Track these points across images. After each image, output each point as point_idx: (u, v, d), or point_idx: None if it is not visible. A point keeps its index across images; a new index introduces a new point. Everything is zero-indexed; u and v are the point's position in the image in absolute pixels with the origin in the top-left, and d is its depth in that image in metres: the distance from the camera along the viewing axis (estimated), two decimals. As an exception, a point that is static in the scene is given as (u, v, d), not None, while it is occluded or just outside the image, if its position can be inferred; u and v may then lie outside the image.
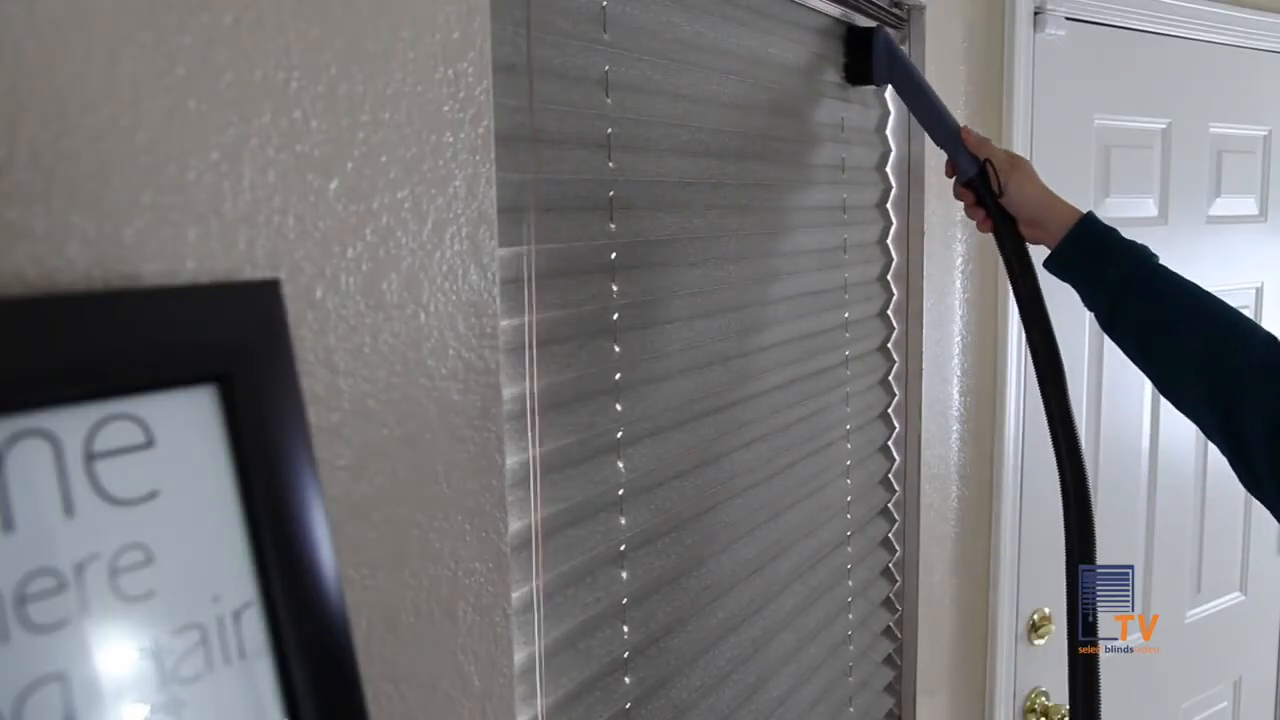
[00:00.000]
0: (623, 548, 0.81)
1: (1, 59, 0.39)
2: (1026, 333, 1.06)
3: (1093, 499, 1.03)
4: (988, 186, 1.06)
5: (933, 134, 1.12)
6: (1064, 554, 1.03)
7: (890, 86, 1.20)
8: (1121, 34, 1.69)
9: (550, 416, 0.72)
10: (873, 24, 1.18)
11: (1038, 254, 1.06)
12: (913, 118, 1.21)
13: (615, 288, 0.79)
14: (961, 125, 1.10)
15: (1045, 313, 1.04)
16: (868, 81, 1.18)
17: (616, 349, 0.80)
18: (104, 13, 0.42)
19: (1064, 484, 1.04)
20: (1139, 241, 0.99)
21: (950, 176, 1.12)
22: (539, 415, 0.71)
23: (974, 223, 1.11)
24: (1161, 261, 0.97)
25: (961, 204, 1.13)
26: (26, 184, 0.40)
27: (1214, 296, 0.93)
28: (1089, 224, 1.01)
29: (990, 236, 1.10)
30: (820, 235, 1.15)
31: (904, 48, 1.17)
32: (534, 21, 0.70)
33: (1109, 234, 1.00)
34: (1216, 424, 0.87)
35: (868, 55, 1.16)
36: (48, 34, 0.40)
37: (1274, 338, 0.87)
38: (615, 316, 0.79)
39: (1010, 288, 1.08)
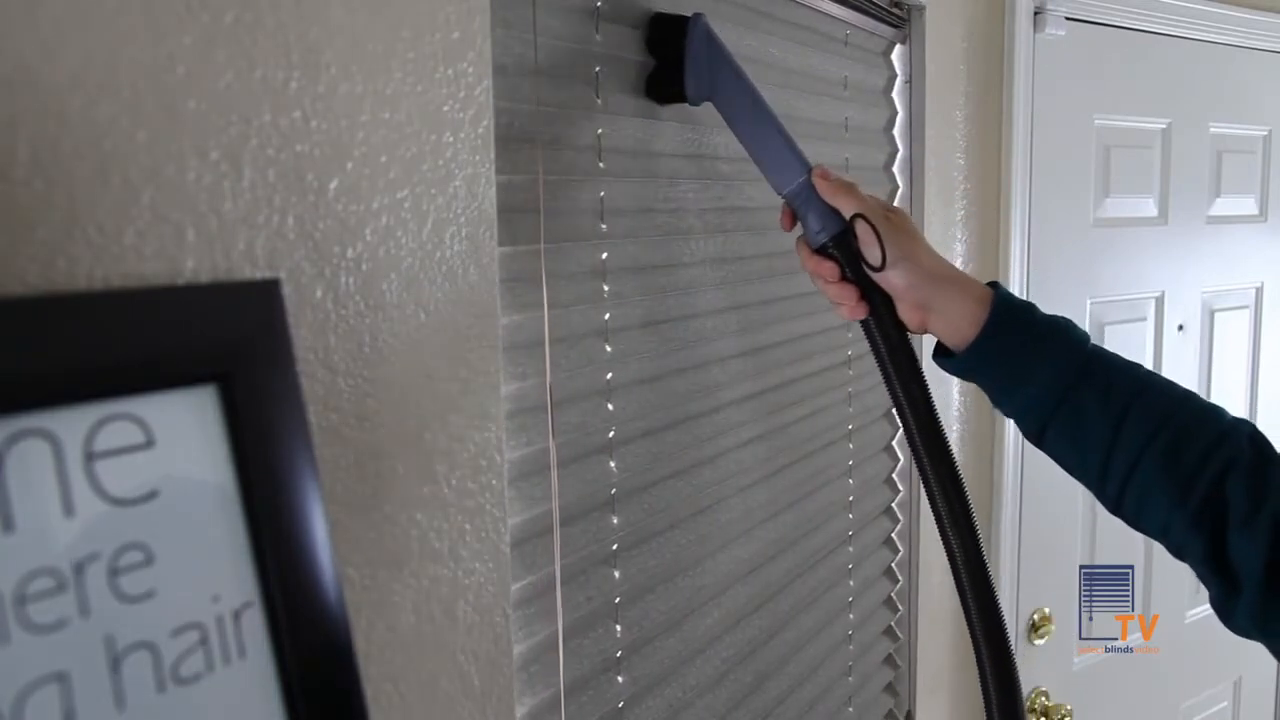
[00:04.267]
0: (615, 547, 0.81)
1: (2, 59, 0.39)
2: (925, 469, 0.76)
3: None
4: (855, 255, 0.75)
5: (771, 173, 0.79)
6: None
7: (713, 105, 0.82)
8: (1121, 34, 1.69)
9: (540, 417, 0.72)
10: (688, 13, 0.81)
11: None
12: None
13: (607, 287, 0.79)
14: (814, 165, 0.78)
15: (944, 436, 0.77)
16: (679, 98, 0.81)
17: (608, 348, 0.80)
18: (104, 13, 0.42)
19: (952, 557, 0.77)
20: (1060, 315, 0.75)
21: (788, 230, 0.80)
22: (553, 410, 0.71)
23: (835, 297, 0.77)
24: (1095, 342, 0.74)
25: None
26: (26, 184, 0.40)
27: (1176, 384, 0.72)
28: (1006, 304, 0.73)
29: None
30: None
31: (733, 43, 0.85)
32: (534, 22, 0.70)
33: (1029, 311, 0.73)
34: (1204, 551, 0.66)
35: (679, 59, 0.79)
36: (48, 34, 0.40)
37: (1255, 430, 0.68)
38: (607, 316, 0.79)
39: (892, 371, 0.77)
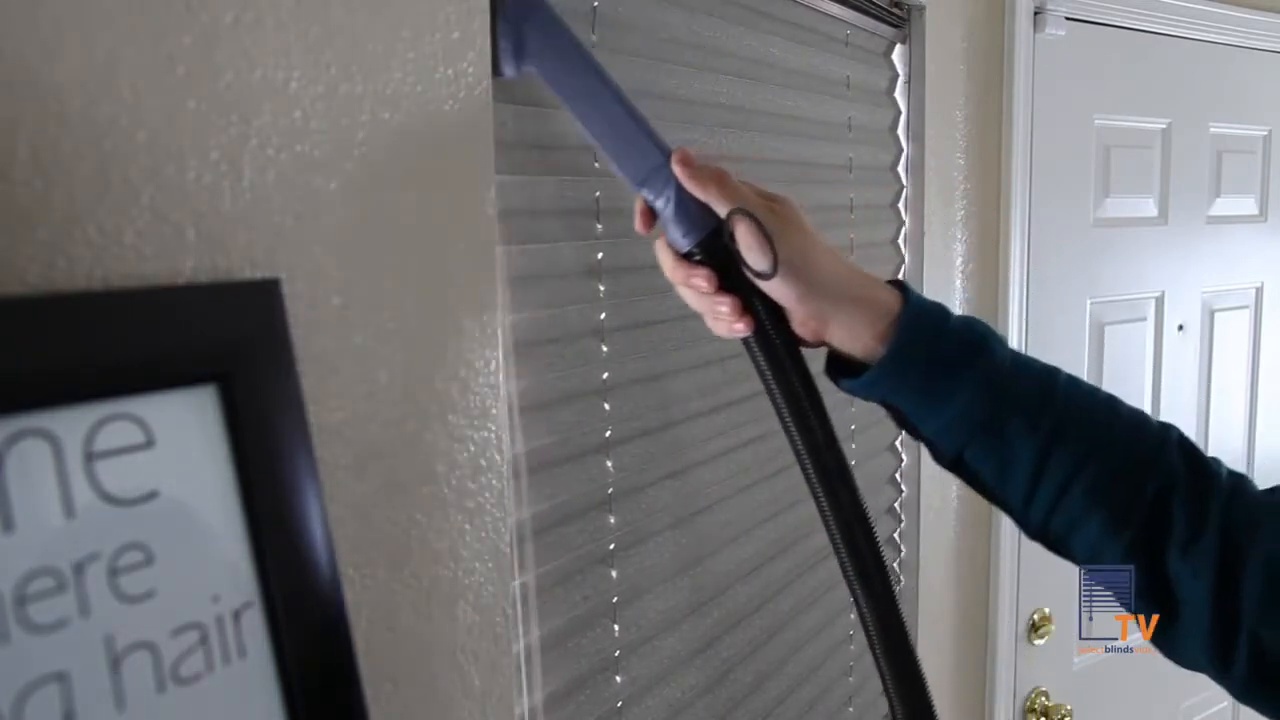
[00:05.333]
0: (612, 546, 0.81)
1: (2, 59, 0.39)
2: (827, 515, 0.67)
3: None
4: (734, 260, 0.61)
5: (617, 161, 0.64)
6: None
7: (539, 77, 0.64)
8: (1121, 34, 1.69)
9: (536, 416, 0.72)
10: None
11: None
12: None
13: (602, 288, 0.79)
14: (675, 149, 0.63)
15: (851, 477, 0.67)
16: (493, 72, 0.63)
17: (604, 348, 0.80)
18: (104, 13, 0.42)
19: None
20: (972, 317, 0.66)
21: (646, 233, 0.65)
22: (520, 415, 0.71)
23: (710, 311, 0.63)
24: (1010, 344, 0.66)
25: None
26: (27, 184, 0.40)
27: (1097, 389, 0.65)
28: (917, 314, 0.63)
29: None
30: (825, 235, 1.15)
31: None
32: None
33: (942, 320, 0.64)
34: (1141, 578, 0.61)
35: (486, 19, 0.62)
36: (48, 34, 0.40)
37: (1182, 437, 0.64)
38: (603, 316, 0.80)
39: (781, 393, 0.64)
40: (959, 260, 1.45)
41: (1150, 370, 1.85)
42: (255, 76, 0.48)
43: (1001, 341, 0.65)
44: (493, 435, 0.64)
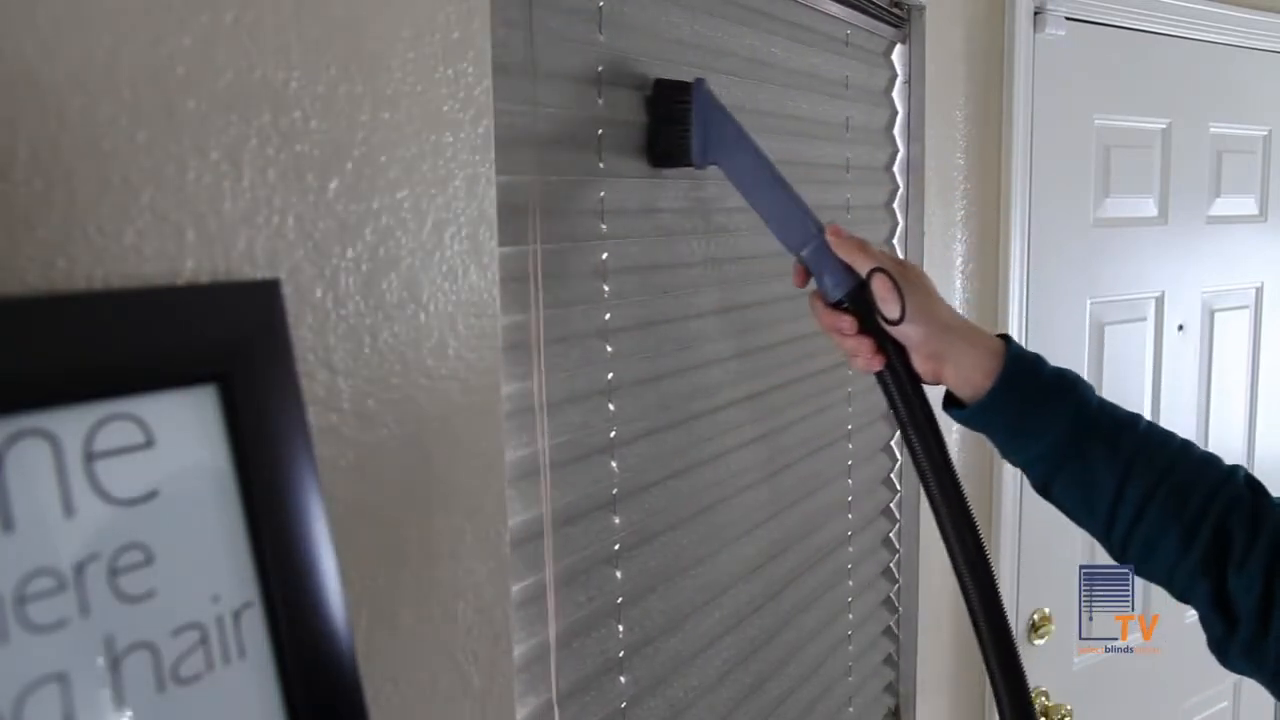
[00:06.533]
0: (617, 547, 0.81)
1: (2, 59, 0.39)
2: (943, 519, 0.80)
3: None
4: (871, 309, 0.77)
5: (782, 233, 0.81)
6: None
7: (719, 168, 0.83)
8: (1121, 34, 1.69)
9: (541, 417, 0.72)
10: (687, 79, 0.82)
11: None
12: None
13: (607, 288, 0.79)
14: (827, 224, 0.80)
15: (960, 486, 0.79)
16: (682, 161, 0.83)
17: (609, 349, 0.80)
18: (104, 13, 0.42)
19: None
20: (1065, 368, 0.77)
21: (802, 287, 0.83)
22: (547, 412, 0.71)
23: (852, 350, 0.78)
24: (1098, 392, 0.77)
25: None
26: (26, 184, 0.40)
27: (1174, 433, 0.75)
28: (1018, 357, 0.75)
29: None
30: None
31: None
32: (534, 21, 0.70)
33: (1039, 364, 0.76)
34: (1209, 593, 0.69)
35: (682, 123, 0.81)
36: (48, 34, 0.40)
37: (1249, 474, 0.72)
38: (608, 316, 0.80)
39: (906, 419, 0.78)
40: (959, 260, 1.45)
41: (1150, 370, 1.85)
42: (255, 76, 0.48)
43: (1090, 387, 0.76)
44: (492, 435, 0.64)
